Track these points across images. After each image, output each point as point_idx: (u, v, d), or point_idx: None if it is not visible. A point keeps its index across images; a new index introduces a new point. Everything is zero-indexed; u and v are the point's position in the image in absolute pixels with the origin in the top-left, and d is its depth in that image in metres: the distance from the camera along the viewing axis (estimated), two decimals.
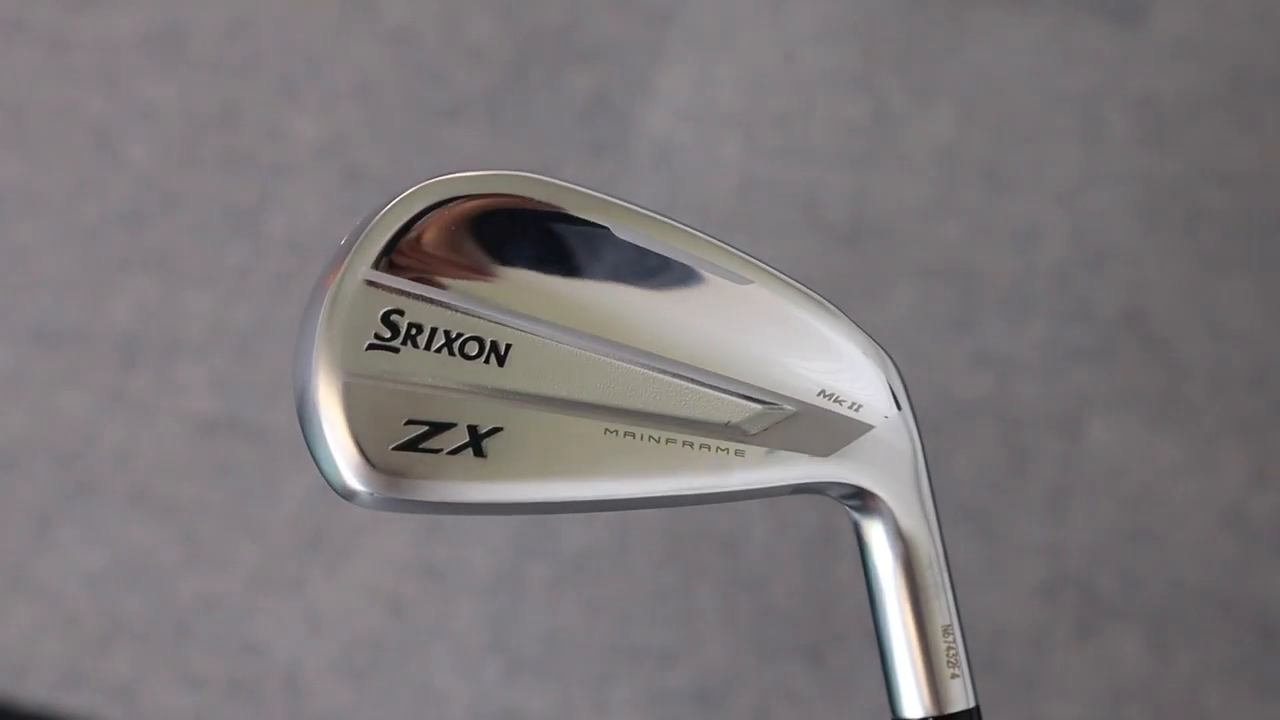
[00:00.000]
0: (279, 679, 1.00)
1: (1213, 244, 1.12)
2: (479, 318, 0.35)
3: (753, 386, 0.37)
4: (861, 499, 0.39)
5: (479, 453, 0.34)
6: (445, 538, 1.04)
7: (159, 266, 1.15)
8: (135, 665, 1.01)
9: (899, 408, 0.39)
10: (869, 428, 0.39)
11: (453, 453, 0.34)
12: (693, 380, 0.37)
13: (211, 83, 1.24)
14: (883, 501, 0.39)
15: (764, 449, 0.37)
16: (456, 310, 0.35)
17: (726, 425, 0.37)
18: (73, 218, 1.18)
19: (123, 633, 1.02)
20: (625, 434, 0.36)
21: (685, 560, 1.02)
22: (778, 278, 0.39)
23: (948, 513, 1.09)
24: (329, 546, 1.04)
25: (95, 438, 1.08)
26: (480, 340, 0.35)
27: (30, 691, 1.00)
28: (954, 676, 0.39)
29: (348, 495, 0.34)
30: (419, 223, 0.35)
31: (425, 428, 0.34)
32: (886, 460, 0.39)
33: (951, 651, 0.39)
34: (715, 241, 0.38)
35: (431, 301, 0.35)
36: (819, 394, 0.38)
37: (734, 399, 0.37)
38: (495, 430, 0.35)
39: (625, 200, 0.37)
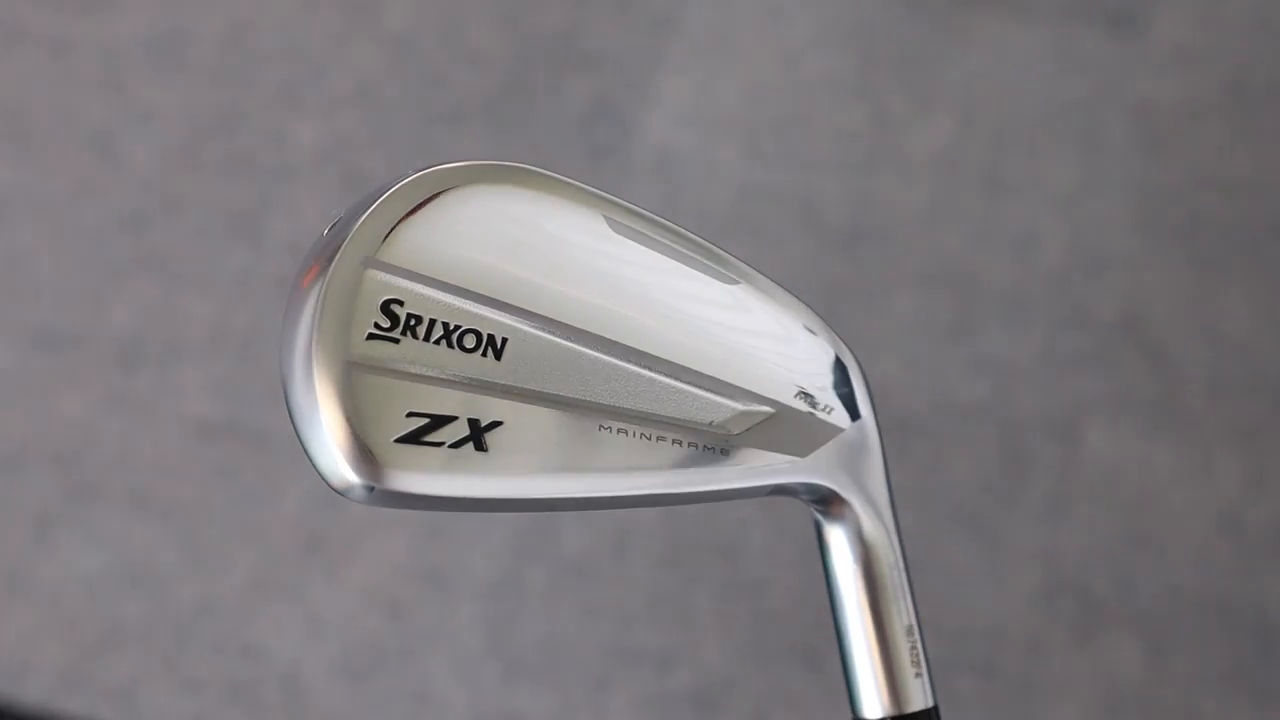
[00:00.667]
0: (278, 682, 1.00)
1: (1210, 251, 1.13)
2: (476, 310, 0.34)
3: (736, 387, 0.38)
4: (829, 502, 0.40)
5: (480, 447, 0.34)
6: (444, 541, 1.04)
7: (159, 270, 1.15)
8: (134, 668, 1.01)
9: (867, 412, 0.40)
10: (840, 430, 0.39)
11: (454, 446, 0.34)
12: (681, 379, 0.37)
13: (212, 87, 1.24)
14: (850, 504, 0.40)
15: (747, 449, 0.38)
16: (454, 302, 0.34)
17: (710, 425, 0.37)
18: (73, 221, 1.18)
19: (122, 635, 1.02)
20: (619, 431, 0.36)
21: (683, 564, 1.02)
22: (761, 278, 0.39)
23: (946, 517, 1.10)
24: (328, 550, 1.04)
25: (95, 440, 1.08)
26: (477, 333, 0.34)
27: (29, 694, 1.00)
28: (917, 676, 0.40)
29: (348, 490, 0.33)
30: (419, 211, 0.34)
31: (426, 420, 0.33)
32: (854, 464, 0.40)
33: (914, 651, 0.40)
34: (703, 240, 0.38)
35: (431, 292, 0.34)
36: (795, 395, 0.38)
37: (719, 399, 0.37)
38: (495, 424, 0.34)
39: (619, 197, 0.38)
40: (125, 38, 1.26)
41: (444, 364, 0.34)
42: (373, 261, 0.34)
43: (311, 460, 0.34)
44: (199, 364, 1.11)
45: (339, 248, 0.34)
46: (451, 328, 0.34)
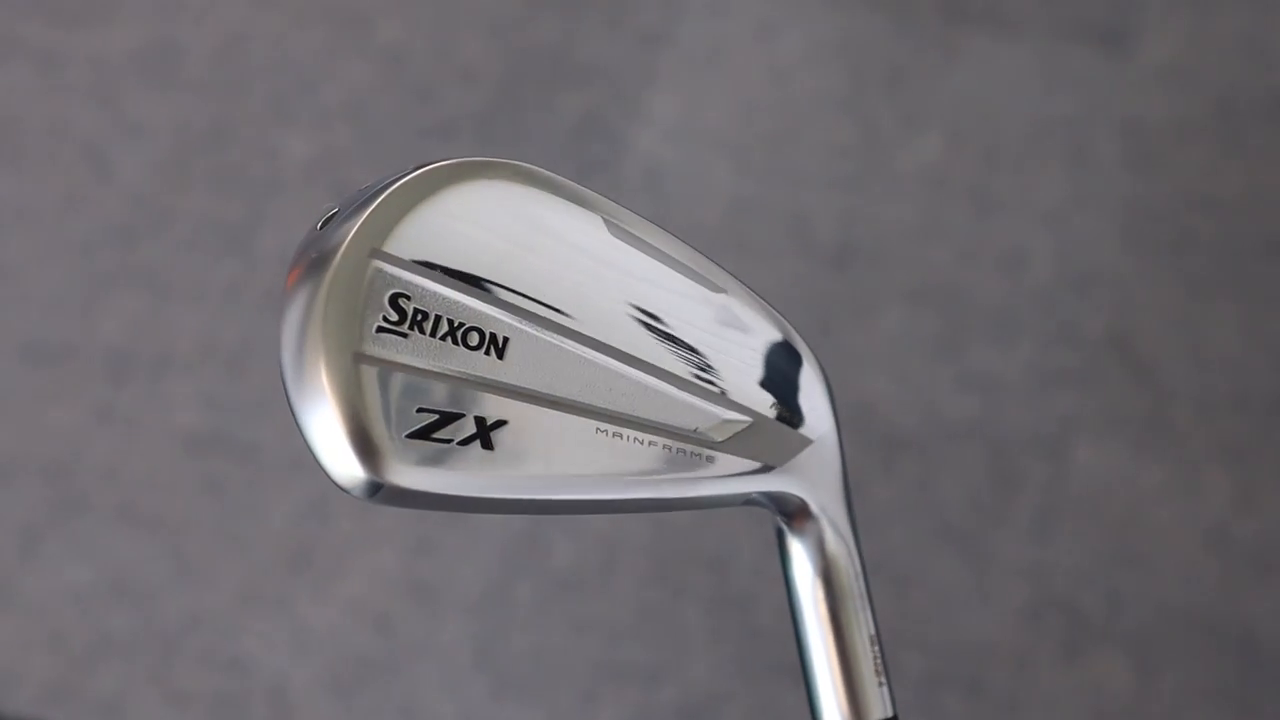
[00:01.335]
0: (265, 696, 1.00)
1: (1198, 268, 1.13)
2: (480, 308, 0.34)
3: (722, 396, 0.38)
4: (796, 512, 0.40)
5: (486, 445, 0.34)
6: (432, 555, 1.04)
7: (149, 283, 1.15)
8: (121, 681, 1.00)
9: (832, 424, 0.40)
10: (809, 442, 0.40)
11: (462, 444, 0.33)
12: (674, 385, 0.37)
13: (203, 100, 1.24)
14: (816, 515, 0.40)
15: (728, 456, 0.38)
16: (459, 299, 0.34)
17: (695, 431, 0.37)
18: (63, 233, 1.18)
19: (109, 648, 1.02)
20: (614, 435, 0.36)
21: (672, 579, 1.02)
22: (741, 287, 0.39)
23: (934, 533, 1.10)
24: (316, 563, 1.04)
25: (83, 453, 1.08)
26: (481, 331, 0.34)
27: (16, 706, 1.00)
28: (880, 684, 0.40)
29: (357, 487, 0.32)
30: (426, 203, 0.34)
31: (436, 416, 0.33)
32: (821, 475, 0.40)
33: (877, 660, 0.40)
34: (692, 247, 0.39)
35: (437, 287, 0.34)
36: (770, 405, 0.39)
37: (706, 406, 0.38)
38: (500, 423, 0.34)
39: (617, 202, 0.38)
40: (116, 50, 1.26)
41: (450, 360, 0.34)
42: (380, 254, 0.33)
43: (317, 456, 0.33)
44: (188, 377, 1.11)
45: (345, 239, 0.33)
46: (456, 324, 0.34)
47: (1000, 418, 1.07)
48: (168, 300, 1.15)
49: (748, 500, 0.39)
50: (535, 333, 0.35)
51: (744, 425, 0.38)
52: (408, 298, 0.33)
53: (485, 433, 0.34)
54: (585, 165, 1.19)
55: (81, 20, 1.28)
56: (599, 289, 0.36)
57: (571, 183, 0.37)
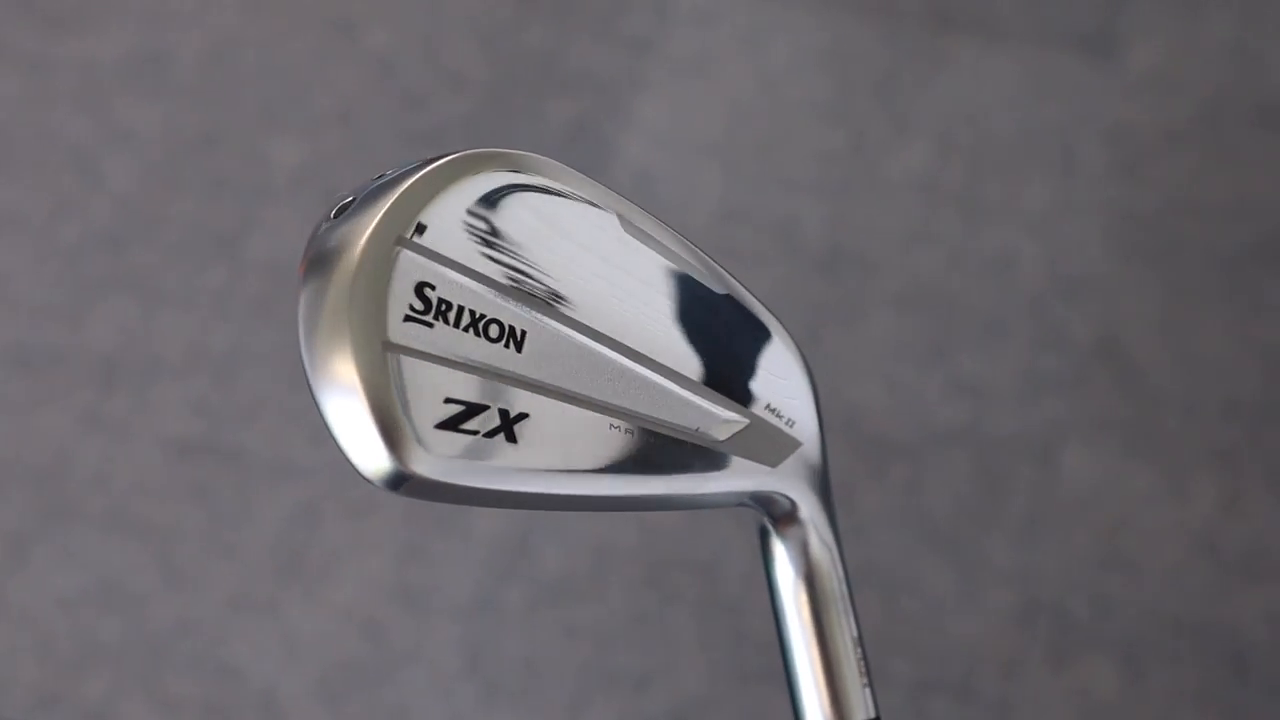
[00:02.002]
0: (255, 702, 1.00)
1: (1186, 274, 1.13)
2: (500, 301, 0.34)
3: (725, 396, 0.38)
4: (784, 514, 0.40)
5: (510, 438, 0.33)
6: (422, 561, 1.04)
7: (138, 289, 1.15)
8: (111, 688, 1.00)
9: (817, 428, 0.41)
10: (799, 444, 0.40)
11: (487, 436, 0.33)
12: (681, 385, 0.37)
13: (193, 107, 1.24)
14: (803, 517, 0.40)
15: (730, 455, 0.38)
16: (480, 290, 0.34)
17: (697, 431, 0.37)
18: (52, 240, 1.18)
19: (98, 655, 1.01)
20: (626, 430, 0.36)
21: (662, 585, 1.02)
22: (741, 288, 0.39)
23: (923, 538, 1.10)
24: (305, 570, 1.04)
25: (72, 459, 1.08)
26: (500, 324, 0.34)
27: (5, 713, 1.00)
28: (865, 685, 0.41)
29: (387, 478, 0.32)
30: (448, 192, 0.34)
31: (463, 407, 0.32)
32: (809, 476, 0.40)
33: (861, 662, 0.41)
34: (697, 247, 0.39)
35: (459, 278, 0.33)
36: (766, 407, 0.39)
37: (710, 406, 0.38)
38: (522, 416, 0.34)
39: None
40: (106, 57, 1.26)
41: (473, 352, 0.33)
42: (405, 241, 0.33)
43: (343, 447, 0.32)
44: (177, 383, 1.11)
45: (371, 225, 0.32)
46: (477, 315, 0.33)
47: (988, 423, 1.07)
48: (157, 306, 1.14)
49: (741, 501, 0.40)
50: (553, 326, 0.35)
51: (742, 426, 0.38)
52: (432, 287, 0.33)
53: (510, 425, 0.33)
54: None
55: (70, 28, 1.28)
56: (612, 286, 0.36)
57: (584, 176, 0.37)
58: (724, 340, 0.39)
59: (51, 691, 1.01)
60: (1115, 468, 1.05)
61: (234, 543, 1.05)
